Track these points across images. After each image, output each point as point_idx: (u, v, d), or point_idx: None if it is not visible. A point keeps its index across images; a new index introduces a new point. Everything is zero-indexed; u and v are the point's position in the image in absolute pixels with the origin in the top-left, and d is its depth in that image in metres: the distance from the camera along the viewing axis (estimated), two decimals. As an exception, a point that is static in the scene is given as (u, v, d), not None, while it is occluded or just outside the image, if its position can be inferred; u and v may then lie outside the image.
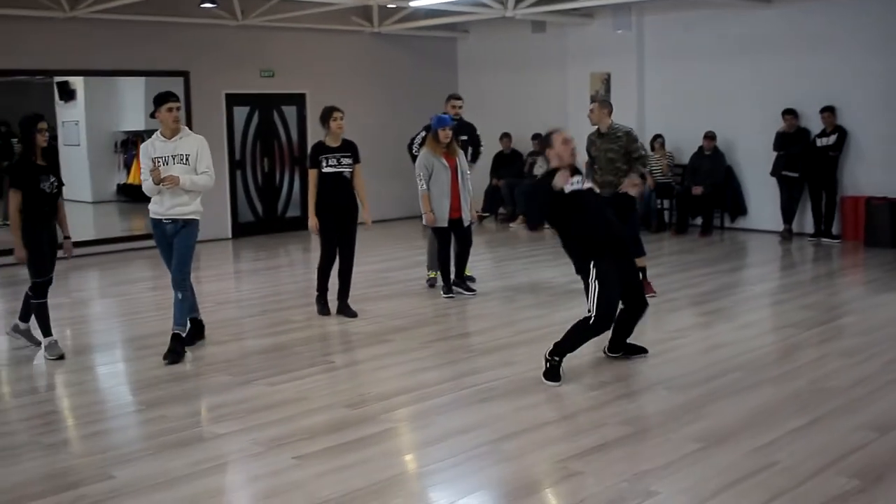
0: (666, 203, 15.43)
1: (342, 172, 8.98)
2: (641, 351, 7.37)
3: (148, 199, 7.76)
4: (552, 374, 6.72)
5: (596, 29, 16.01)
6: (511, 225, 16.08)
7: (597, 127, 9.52)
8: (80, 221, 17.63)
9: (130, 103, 17.92)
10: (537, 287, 10.56)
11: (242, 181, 15.76)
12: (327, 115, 9.01)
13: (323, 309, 9.21)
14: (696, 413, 6.01)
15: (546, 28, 16.67)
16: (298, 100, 16.20)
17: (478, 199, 17.79)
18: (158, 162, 7.48)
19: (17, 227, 7.56)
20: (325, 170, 8.92)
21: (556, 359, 6.73)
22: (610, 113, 9.50)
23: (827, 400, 6.23)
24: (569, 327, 6.81)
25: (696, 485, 4.85)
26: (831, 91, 13.52)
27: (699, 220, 14.80)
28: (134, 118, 17.78)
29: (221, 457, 5.44)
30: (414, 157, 10.29)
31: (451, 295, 9.96)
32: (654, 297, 9.51)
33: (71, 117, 18.63)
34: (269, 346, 8.19)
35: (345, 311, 9.18)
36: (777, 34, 14.10)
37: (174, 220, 7.66)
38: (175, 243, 7.71)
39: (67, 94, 18.39)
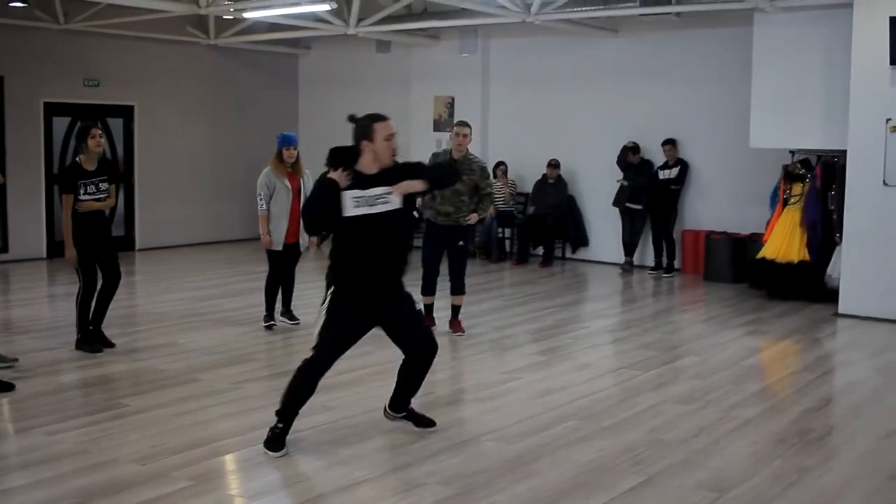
0: (507, 232, 15.05)
1: (100, 199, 8.16)
2: (430, 424, 6.19)
3: None
4: (274, 442, 5.65)
5: (441, 51, 15.60)
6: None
7: (448, 149, 8.98)
8: None
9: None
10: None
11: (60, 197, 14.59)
12: (84, 131, 8.14)
13: (92, 345, 8.26)
14: (524, 470, 5.47)
15: (391, 48, 16.17)
16: (126, 112, 15.19)
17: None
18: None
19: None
20: (83, 197, 8.03)
21: (280, 425, 5.69)
22: None
23: (664, 454, 5.79)
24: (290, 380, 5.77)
25: (518, 561, 4.29)
26: (674, 124, 13.41)
27: (541, 250, 14.47)
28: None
29: (-34, 530, 4.61)
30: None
31: (271, 323, 9.28)
32: (461, 336, 9.11)
33: None
34: (63, 384, 7.35)
35: (102, 339, 8.38)
36: (623, 64, 13.96)
37: None
38: None
39: None
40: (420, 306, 6.81)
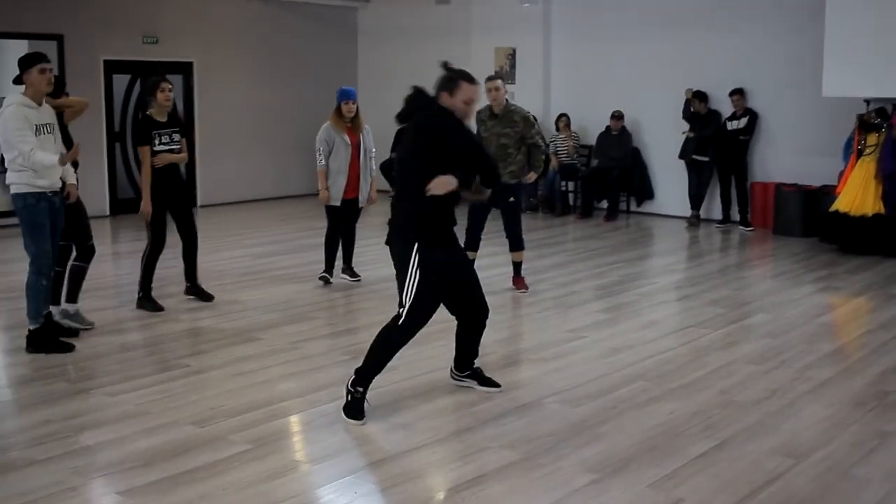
0: (571, 185, 14.79)
1: (174, 150, 8.18)
2: (495, 385, 6.07)
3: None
4: (354, 409, 5.47)
5: (502, 1, 15.27)
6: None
7: (488, 105, 8.75)
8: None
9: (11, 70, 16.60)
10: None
11: (122, 154, 14.61)
12: (154, 85, 8.15)
13: (154, 306, 8.23)
14: (590, 434, 5.31)
15: (450, -1, 15.90)
16: (185, 68, 15.12)
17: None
18: (38, 130, 6.75)
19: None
20: (158, 147, 8.07)
21: (360, 389, 5.50)
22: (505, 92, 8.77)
23: (736, 417, 5.59)
24: (372, 342, 5.61)
25: (586, 531, 4.14)
26: (742, 73, 13.01)
27: (605, 204, 14.21)
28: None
29: (25, 494, 4.53)
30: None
31: (326, 277, 9.21)
32: (524, 292, 8.93)
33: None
34: (123, 344, 7.30)
35: (200, 293, 8.53)
36: (689, 11, 13.56)
37: (56, 193, 6.95)
38: (58, 218, 7.00)
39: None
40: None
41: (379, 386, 6.00)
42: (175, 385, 6.21)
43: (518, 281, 9.08)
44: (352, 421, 5.42)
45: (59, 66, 13.47)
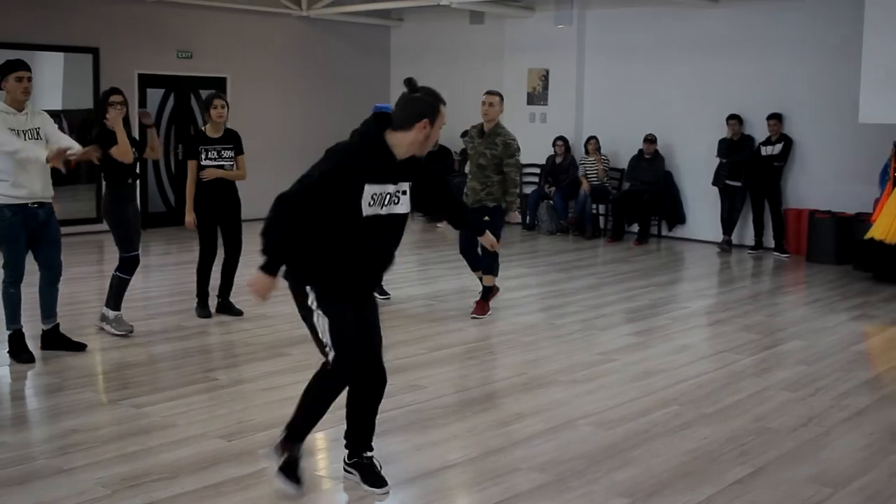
0: (601, 208, 14.71)
1: (223, 166, 8.33)
2: (382, 484, 4.73)
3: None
4: (291, 471, 4.53)
5: (536, 22, 15.26)
6: (439, 225, 15.22)
7: (480, 125, 8.70)
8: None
9: (47, 82, 16.73)
10: (464, 293, 9.68)
11: (154, 168, 14.69)
12: (208, 102, 8.40)
13: (204, 312, 8.47)
14: (623, 457, 5.21)
15: (484, 19, 15.87)
16: (218, 84, 15.17)
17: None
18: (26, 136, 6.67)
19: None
20: (205, 162, 8.24)
21: (297, 445, 4.56)
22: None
23: (771, 444, 5.47)
24: (303, 394, 4.64)
25: (619, 556, 4.05)
26: (778, 97, 12.90)
27: (635, 227, 14.11)
28: (51, 97, 16.57)
29: (52, 503, 4.50)
30: None
31: None
32: (479, 318, 8.62)
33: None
34: (151, 356, 7.29)
35: (228, 308, 8.56)
36: (724, 35, 13.47)
37: (42, 204, 6.84)
38: (49, 232, 6.92)
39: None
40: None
41: (406, 405, 5.97)
42: (203, 398, 6.17)
43: (480, 305, 8.71)
44: (291, 486, 4.52)
45: (94, 78, 13.62)
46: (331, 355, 4.40)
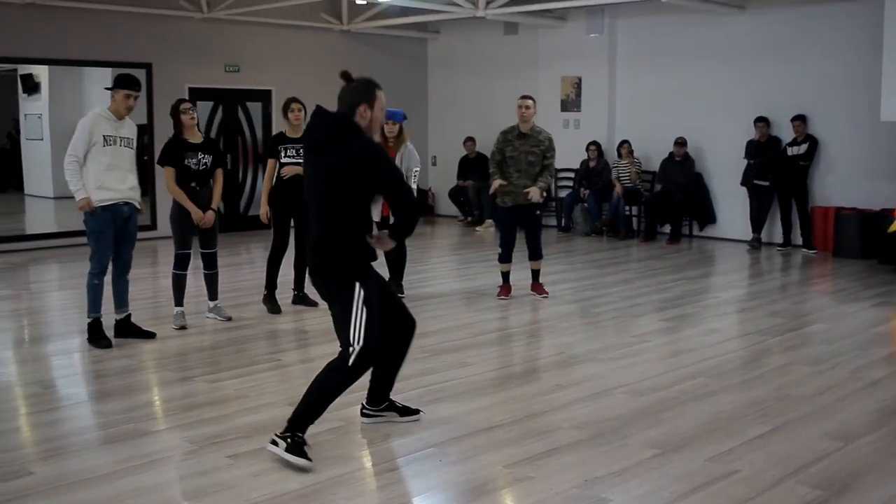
0: (634, 210, 15.21)
1: (299, 163, 8.79)
2: (414, 412, 5.68)
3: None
4: (298, 449, 4.86)
5: (568, 32, 15.80)
6: (478, 229, 15.80)
7: (515, 125, 9.37)
8: (41, 216, 17.38)
9: (96, 96, 17.52)
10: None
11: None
12: (286, 106, 9.04)
13: (273, 307, 8.97)
14: (654, 418, 5.75)
15: (518, 30, 16.48)
16: (264, 96, 15.86)
17: (442, 200, 17.64)
18: (110, 141, 7.34)
19: (181, 197, 8.16)
20: (284, 160, 8.81)
21: (299, 435, 4.92)
22: None
23: (790, 408, 5.99)
24: (311, 385, 5.06)
25: (650, 493, 4.58)
26: (803, 99, 13.35)
27: (668, 228, 14.60)
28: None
29: (149, 455, 5.10)
30: None
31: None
32: (545, 297, 9.56)
33: (34, 110, 18.28)
34: (215, 342, 7.89)
35: (304, 300, 9.10)
36: (750, 40, 13.94)
37: (128, 203, 7.52)
38: (129, 229, 7.61)
39: (31, 87, 18.03)
40: None
41: (455, 378, 6.54)
42: (270, 375, 6.79)
43: (538, 286, 9.72)
44: (301, 461, 4.82)
45: (147, 92, 14.27)
46: (356, 350, 4.88)
